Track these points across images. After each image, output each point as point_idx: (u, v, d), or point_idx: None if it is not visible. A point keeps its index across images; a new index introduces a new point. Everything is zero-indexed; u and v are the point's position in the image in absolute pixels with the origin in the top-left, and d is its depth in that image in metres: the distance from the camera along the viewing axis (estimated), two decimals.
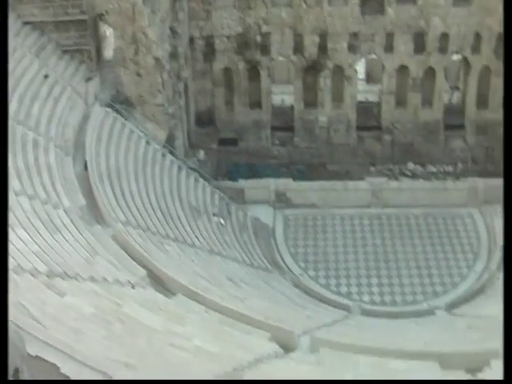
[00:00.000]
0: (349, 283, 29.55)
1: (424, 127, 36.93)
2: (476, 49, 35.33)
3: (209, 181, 33.11)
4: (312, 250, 31.73)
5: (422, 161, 36.81)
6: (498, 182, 30.10)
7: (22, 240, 17.27)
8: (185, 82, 34.39)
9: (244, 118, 37.14)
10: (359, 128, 37.42)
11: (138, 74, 30.53)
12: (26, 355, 9.82)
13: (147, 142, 30.33)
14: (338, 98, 36.87)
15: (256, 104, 37.09)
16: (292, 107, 37.67)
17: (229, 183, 34.51)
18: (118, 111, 30.13)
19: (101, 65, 31.61)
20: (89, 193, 24.34)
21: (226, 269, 25.47)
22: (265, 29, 35.17)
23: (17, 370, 9.10)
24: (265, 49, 35.67)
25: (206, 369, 12.15)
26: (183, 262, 23.16)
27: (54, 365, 10.45)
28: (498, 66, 34.66)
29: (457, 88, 39.45)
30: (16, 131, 23.95)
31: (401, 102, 36.95)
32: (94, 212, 23.45)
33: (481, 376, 13.12)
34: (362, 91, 39.16)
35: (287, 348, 15.58)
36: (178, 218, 27.91)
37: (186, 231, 27.08)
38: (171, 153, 31.66)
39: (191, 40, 35.28)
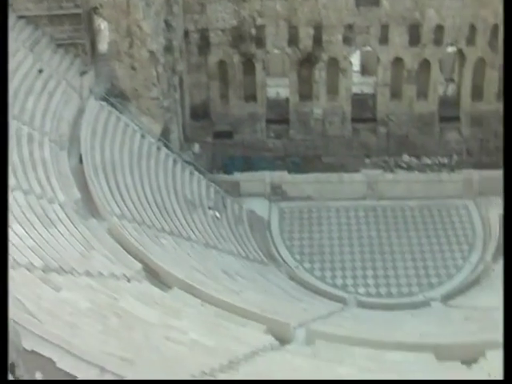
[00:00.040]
0: (344, 275, 29.60)
1: (419, 119, 36.93)
2: (471, 41, 35.28)
3: (204, 174, 33.10)
4: (307, 242, 31.76)
5: (417, 153, 36.80)
6: (493, 174, 30.43)
7: (17, 235, 17.29)
8: (180, 76, 34.32)
9: (239, 110, 37.07)
10: (354, 120, 37.38)
11: (133, 68, 30.49)
12: (21, 350, 9.81)
13: (142, 136, 30.29)
14: (332, 90, 36.82)
15: (251, 97, 37.01)
16: (287, 100, 37.59)
17: (224, 176, 34.52)
18: (112, 105, 30.08)
19: (95, 58, 31.52)
20: (84, 187, 24.31)
21: (221, 262, 25.50)
22: (259, 21, 35.05)
23: (13, 365, 9.09)
24: (259, 41, 35.58)
25: (201, 362, 12.19)
26: (179, 256, 23.18)
27: (49, 359, 10.48)
28: (492, 58, 34.70)
29: (452, 80, 39.42)
30: (11, 126, 23.90)
31: (396, 94, 36.93)
32: (89, 206, 23.44)
33: (476, 367, 13.21)
34: (357, 83, 39.16)
35: (283, 340, 15.65)
36: (174, 211, 27.91)
37: (181, 224, 27.07)
38: (166, 146, 31.62)
39: (186, 33, 35.17)
